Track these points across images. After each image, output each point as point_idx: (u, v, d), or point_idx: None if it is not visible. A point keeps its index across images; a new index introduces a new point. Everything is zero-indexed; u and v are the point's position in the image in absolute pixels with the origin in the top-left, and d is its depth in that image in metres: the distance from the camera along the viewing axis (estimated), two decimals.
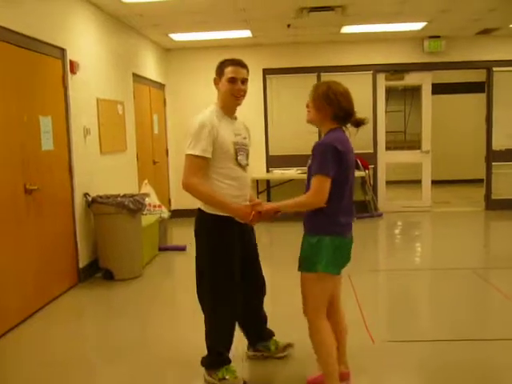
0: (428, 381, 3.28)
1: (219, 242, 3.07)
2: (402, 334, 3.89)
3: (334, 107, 2.73)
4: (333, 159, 2.64)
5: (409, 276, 5.49)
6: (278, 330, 3.55)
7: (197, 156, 2.95)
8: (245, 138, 3.19)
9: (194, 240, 3.17)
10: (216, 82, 3.15)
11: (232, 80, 3.05)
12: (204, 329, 3.22)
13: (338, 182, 2.68)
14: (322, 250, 2.70)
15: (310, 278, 2.78)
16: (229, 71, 3.05)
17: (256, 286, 3.39)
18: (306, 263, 2.77)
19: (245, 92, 3.11)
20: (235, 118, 3.20)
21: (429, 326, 4.19)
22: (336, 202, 2.70)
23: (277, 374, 3.36)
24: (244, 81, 3.09)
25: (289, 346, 3.47)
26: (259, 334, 3.49)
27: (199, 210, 3.13)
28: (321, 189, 2.67)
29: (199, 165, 2.97)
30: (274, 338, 3.50)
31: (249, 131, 3.32)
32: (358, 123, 2.80)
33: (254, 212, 2.96)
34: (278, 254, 6.49)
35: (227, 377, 3.11)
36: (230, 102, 3.11)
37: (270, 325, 3.54)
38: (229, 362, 3.20)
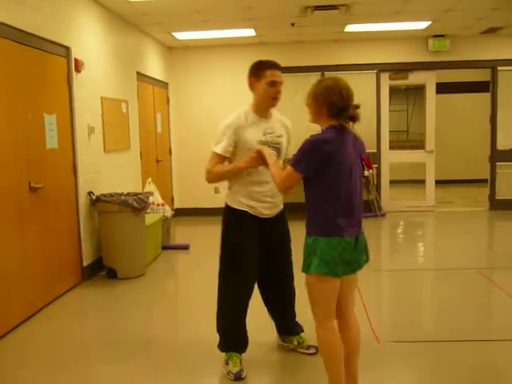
0: (432, 381, 3.26)
1: (232, 231, 3.26)
2: (407, 335, 3.88)
3: (323, 104, 2.64)
4: (309, 158, 2.58)
5: (413, 276, 5.47)
6: None
7: (218, 154, 3.18)
8: (279, 136, 3.28)
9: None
10: (252, 83, 3.22)
11: (272, 83, 3.15)
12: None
13: (324, 181, 2.61)
14: (316, 251, 2.62)
15: (308, 280, 2.70)
16: (269, 74, 3.14)
17: (277, 282, 3.47)
18: (304, 264, 2.70)
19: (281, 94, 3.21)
20: (270, 117, 3.28)
21: (433, 327, 4.18)
22: (328, 202, 2.61)
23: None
24: (281, 83, 3.19)
25: (311, 347, 3.51)
26: (285, 328, 3.60)
27: (225, 203, 3.34)
28: (287, 179, 2.67)
29: (218, 161, 3.19)
30: (302, 334, 3.58)
31: (288, 128, 3.40)
32: (353, 118, 2.66)
33: (254, 154, 3.01)
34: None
35: (229, 362, 3.29)
36: (267, 103, 3.21)
37: None
38: (235, 350, 3.33)
